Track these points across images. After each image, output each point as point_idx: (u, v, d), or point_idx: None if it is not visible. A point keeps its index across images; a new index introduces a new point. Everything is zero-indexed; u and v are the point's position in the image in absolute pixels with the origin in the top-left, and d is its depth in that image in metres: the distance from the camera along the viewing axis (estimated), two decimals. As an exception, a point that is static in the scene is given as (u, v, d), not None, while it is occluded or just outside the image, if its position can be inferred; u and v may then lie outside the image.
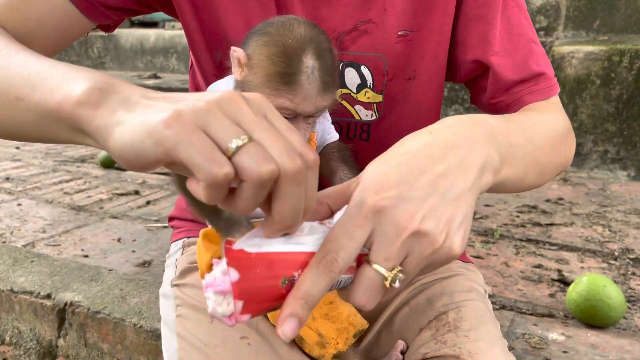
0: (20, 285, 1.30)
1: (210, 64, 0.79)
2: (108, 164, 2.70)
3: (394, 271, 0.43)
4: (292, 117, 0.62)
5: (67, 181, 2.47)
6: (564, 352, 1.13)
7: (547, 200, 2.21)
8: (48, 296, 1.25)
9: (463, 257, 0.87)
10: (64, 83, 0.47)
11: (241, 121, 0.39)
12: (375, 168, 0.47)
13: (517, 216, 2.02)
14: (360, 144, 0.80)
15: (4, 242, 1.74)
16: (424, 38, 0.77)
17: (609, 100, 2.50)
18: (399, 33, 0.76)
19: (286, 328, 0.40)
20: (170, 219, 1.01)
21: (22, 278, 1.34)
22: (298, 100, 0.60)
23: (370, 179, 0.46)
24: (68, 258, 1.59)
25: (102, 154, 2.74)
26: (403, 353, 0.73)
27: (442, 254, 0.45)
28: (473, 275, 0.83)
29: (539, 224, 1.93)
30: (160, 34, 4.45)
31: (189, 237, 0.91)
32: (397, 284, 0.44)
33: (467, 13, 0.77)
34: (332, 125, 0.75)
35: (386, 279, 0.43)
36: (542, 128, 0.68)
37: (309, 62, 0.60)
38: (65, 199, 2.21)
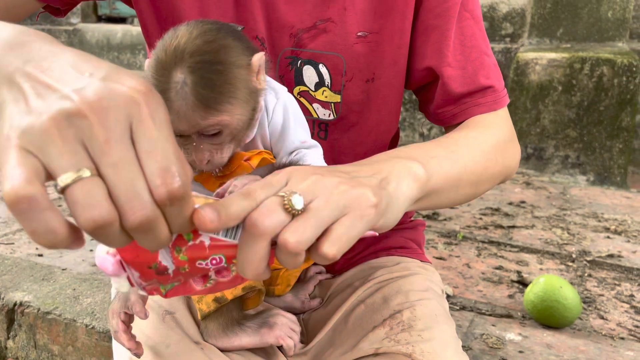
0: (-34, 284, 1.25)
1: None
2: (69, 161, 2.63)
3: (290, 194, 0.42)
4: (185, 135, 0.59)
5: None
6: (520, 352, 1.14)
7: (510, 203, 2.24)
8: (-4, 296, 1.20)
9: (421, 257, 0.87)
10: None
11: (90, 145, 0.34)
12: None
13: (480, 218, 2.05)
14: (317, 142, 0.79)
15: (-46, 240, 1.67)
16: (383, 41, 0.76)
17: (570, 107, 2.56)
18: (359, 34, 0.75)
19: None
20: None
21: (-31, 276, 1.28)
22: (172, 117, 0.57)
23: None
24: (21, 257, 1.54)
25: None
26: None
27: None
28: (430, 275, 0.83)
29: (501, 226, 1.96)
30: (127, 30, 4.37)
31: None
32: (295, 202, 0.42)
33: (423, 22, 0.77)
34: (302, 133, 0.68)
35: (283, 196, 0.42)
36: (471, 141, 0.71)
37: (178, 76, 0.56)
38: (21, 196, 2.14)
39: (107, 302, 1.16)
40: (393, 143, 0.88)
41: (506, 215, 2.09)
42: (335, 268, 0.83)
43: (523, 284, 1.50)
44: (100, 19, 4.75)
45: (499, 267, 1.62)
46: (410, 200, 0.53)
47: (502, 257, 1.70)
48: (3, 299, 1.20)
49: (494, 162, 0.72)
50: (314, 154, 0.66)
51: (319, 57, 0.73)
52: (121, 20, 4.73)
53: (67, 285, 1.23)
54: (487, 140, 0.73)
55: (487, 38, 0.80)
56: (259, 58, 0.62)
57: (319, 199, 0.43)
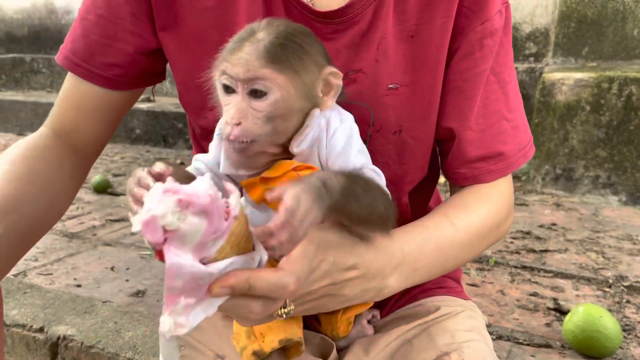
0: (12, 318, 1.28)
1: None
2: (101, 188, 2.69)
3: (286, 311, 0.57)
4: (232, 93, 0.62)
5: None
6: (563, 384, 1.13)
7: (541, 226, 2.22)
8: (40, 329, 1.23)
9: (461, 295, 0.87)
10: None
11: None
12: (331, 239, 0.61)
13: (512, 242, 2.03)
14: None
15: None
16: (414, 94, 0.76)
17: (599, 126, 2.54)
18: (390, 86, 0.75)
19: None
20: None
21: (15, 310, 1.32)
22: (233, 60, 0.60)
23: (325, 240, 0.60)
24: (60, 288, 1.57)
25: (95, 178, 2.72)
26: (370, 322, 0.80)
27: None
28: (474, 313, 0.83)
29: (533, 251, 1.94)
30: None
31: (187, 273, 0.90)
32: (285, 313, 0.58)
33: (450, 82, 0.78)
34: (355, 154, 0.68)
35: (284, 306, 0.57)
36: (466, 236, 0.77)
37: (259, 33, 0.61)
38: (57, 226, 2.19)
39: (147, 336, 1.18)
40: (419, 193, 0.88)
41: (538, 238, 2.07)
42: (381, 315, 0.83)
43: (560, 311, 1.49)
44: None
45: (534, 294, 1.60)
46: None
47: (536, 282, 1.69)
48: (47, 332, 1.23)
49: (483, 247, 0.80)
50: (377, 177, 0.66)
51: (347, 106, 0.74)
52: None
53: (108, 319, 1.26)
54: (481, 228, 0.79)
55: (509, 101, 0.82)
56: (332, 73, 0.64)
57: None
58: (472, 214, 0.78)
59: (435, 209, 0.80)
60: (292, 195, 0.51)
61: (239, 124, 0.61)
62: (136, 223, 0.47)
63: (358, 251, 0.63)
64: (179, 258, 0.47)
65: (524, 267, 1.80)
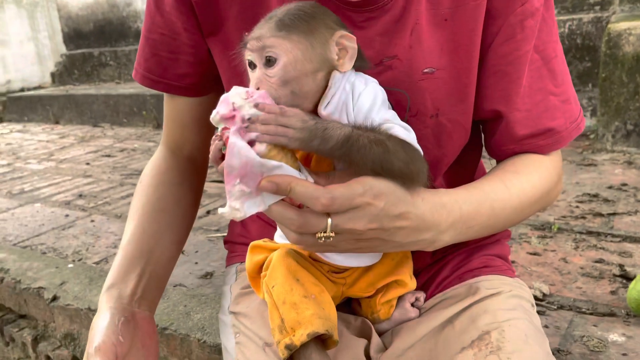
0: (96, 304, 1.41)
1: None
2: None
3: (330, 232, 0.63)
4: (254, 67, 0.68)
5: (133, 195, 2.61)
6: (624, 354, 1.11)
7: (610, 187, 2.13)
8: (121, 313, 1.35)
9: (507, 272, 0.88)
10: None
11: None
12: (384, 186, 0.64)
13: (577, 207, 1.97)
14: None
15: (81, 260, 1.89)
16: (450, 77, 0.77)
17: (674, 76, 2.36)
18: (425, 70, 0.76)
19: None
20: (225, 242, 1.07)
21: (98, 296, 1.45)
22: (252, 37, 0.67)
23: (377, 187, 0.64)
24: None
25: (164, 165, 2.87)
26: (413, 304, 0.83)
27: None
28: (519, 291, 0.83)
29: (600, 215, 1.87)
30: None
31: (241, 263, 0.97)
32: (324, 237, 0.63)
33: (492, 66, 0.78)
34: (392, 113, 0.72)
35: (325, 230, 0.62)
36: (518, 200, 0.79)
37: (276, 13, 0.68)
38: (132, 213, 2.35)
39: (214, 317, 1.27)
40: (452, 174, 0.89)
41: (606, 201, 1.99)
42: (426, 296, 0.86)
43: (627, 278, 1.44)
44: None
45: (600, 261, 1.55)
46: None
47: (602, 248, 1.63)
48: (126, 316, 1.35)
49: (532, 211, 0.83)
50: (403, 130, 0.69)
51: None
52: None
53: (179, 302, 1.36)
54: (533, 194, 0.80)
55: (555, 75, 0.81)
56: (343, 36, 0.68)
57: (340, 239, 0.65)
58: (525, 180, 0.80)
59: (491, 172, 0.83)
60: (295, 111, 0.62)
61: (257, 89, 0.66)
62: (215, 111, 0.62)
63: (412, 201, 0.66)
64: (240, 140, 0.59)
65: (589, 233, 1.74)
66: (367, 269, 0.79)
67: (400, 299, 0.82)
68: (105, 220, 2.30)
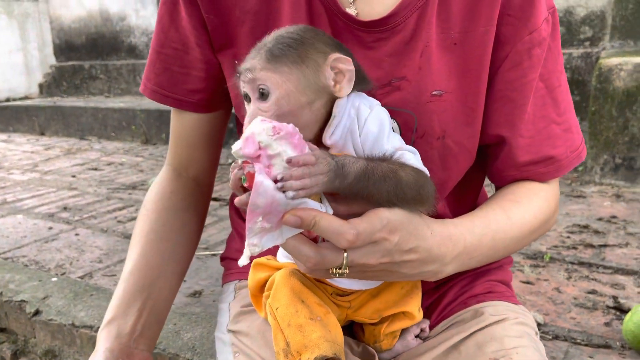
0: (80, 320, 1.37)
1: None
2: (158, 190, 2.79)
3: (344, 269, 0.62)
4: (249, 100, 0.66)
5: (120, 209, 2.57)
6: (623, 388, 1.10)
7: (600, 219, 2.14)
8: (107, 330, 1.31)
9: (511, 299, 0.86)
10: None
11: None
12: (399, 221, 0.64)
13: (568, 237, 1.97)
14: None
15: (64, 274, 1.83)
16: (457, 100, 0.77)
17: (662, 112, 2.41)
18: (433, 92, 0.76)
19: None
20: (222, 259, 1.04)
21: (83, 312, 1.40)
22: (244, 69, 0.65)
23: (393, 223, 0.63)
24: (124, 289, 1.66)
25: (153, 180, 2.83)
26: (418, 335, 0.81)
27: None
28: (523, 318, 0.82)
29: (591, 246, 1.88)
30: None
31: (240, 280, 0.94)
32: (339, 273, 0.62)
33: (498, 91, 0.79)
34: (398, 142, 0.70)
35: (340, 266, 0.62)
36: (519, 230, 0.80)
37: (267, 42, 0.66)
38: (119, 228, 2.30)
39: (205, 337, 1.23)
40: (456, 197, 0.89)
41: (596, 232, 2.00)
42: (430, 324, 0.84)
43: (621, 310, 1.44)
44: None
45: (593, 292, 1.55)
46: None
47: (594, 279, 1.63)
48: (112, 333, 1.30)
49: (530, 240, 0.83)
50: (412, 155, 0.68)
51: (390, 113, 0.75)
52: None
53: (168, 320, 1.32)
54: (533, 223, 0.81)
55: (558, 104, 0.82)
56: (337, 59, 0.65)
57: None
58: (526, 209, 0.81)
59: (492, 199, 0.83)
60: (321, 154, 0.59)
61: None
62: (237, 144, 0.58)
63: (422, 235, 0.66)
64: (266, 179, 0.56)
65: (581, 263, 1.74)
66: (374, 295, 0.77)
67: (404, 330, 0.80)
68: (91, 234, 2.24)
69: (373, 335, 0.80)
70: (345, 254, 0.61)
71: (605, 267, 1.71)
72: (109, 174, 3.32)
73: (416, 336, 0.81)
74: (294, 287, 0.73)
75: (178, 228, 0.93)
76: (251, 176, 0.56)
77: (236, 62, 0.69)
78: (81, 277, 1.80)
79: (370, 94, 0.76)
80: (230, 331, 0.86)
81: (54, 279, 1.67)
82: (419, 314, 0.79)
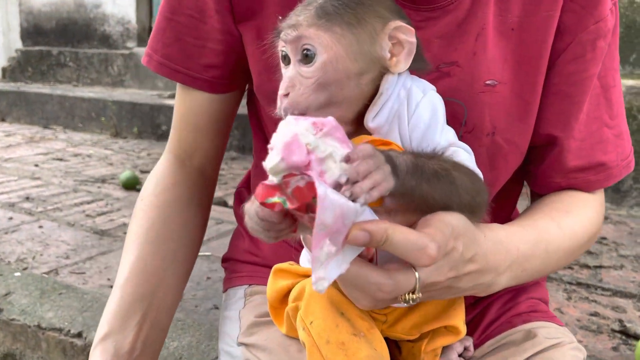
0: (48, 321, 1.22)
1: None
2: (130, 185, 2.63)
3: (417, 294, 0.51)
4: (289, 62, 0.56)
5: (88, 202, 2.40)
6: (647, 419, 1.03)
7: (590, 240, 2.11)
8: (79, 335, 1.16)
9: (555, 320, 0.78)
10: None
11: None
12: (462, 226, 0.54)
13: (562, 256, 1.93)
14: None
15: (26, 269, 1.66)
16: (511, 93, 0.69)
17: (651, 136, 2.42)
18: (487, 82, 0.68)
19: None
20: (225, 260, 0.92)
21: (51, 313, 1.25)
22: (287, 24, 0.55)
23: (457, 229, 0.53)
24: (96, 289, 1.51)
25: (124, 174, 2.67)
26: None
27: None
28: (576, 343, 0.74)
29: (586, 266, 1.83)
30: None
31: (250, 285, 0.83)
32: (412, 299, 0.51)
33: (554, 85, 0.71)
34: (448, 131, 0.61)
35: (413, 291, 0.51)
36: (570, 242, 0.71)
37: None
38: (87, 222, 2.14)
39: (194, 347, 1.11)
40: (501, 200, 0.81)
41: (589, 253, 1.96)
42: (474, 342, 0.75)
43: (627, 334, 1.38)
44: (154, 43, 4.80)
45: (595, 314, 1.50)
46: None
47: (595, 301, 1.58)
48: (85, 338, 1.16)
49: (578, 255, 0.75)
50: (467, 155, 0.59)
51: None
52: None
53: (150, 326, 1.19)
54: (582, 236, 0.73)
55: (611, 106, 0.75)
56: (399, 27, 0.55)
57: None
58: (576, 221, 0.73)
59: (536, 207, 0.74)
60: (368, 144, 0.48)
61: (287, 94, 0.54)
62: (274, 155, 0.44)
63: (478, 240, 0.57)
64: (328, 188, 0.43)
65: (579, 284, 1.69)
66: (412, 307, 0.67)
67: (446, 347, 0.70)
68: (56, 227, 2.07)
69: (412, 354, 0.70)
70: (417, 274, 0.50)
71: (604, 289, 1.66)
72: (75, 166, 3.12)
73: (460, 355, 0.71)
74: (332, 298, 0.62)
75: (181, 225, 0.81)
76: (302, 192, 0.44)
77: (280, 17, 0.58)
78: (46, 273, 1.63)
79: None
80: (242, 344, 0.74)
81: (17, 273, 1.50)
82: (463, 329, 0.69)
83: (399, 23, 0.56)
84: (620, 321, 1.43)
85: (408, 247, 0.47)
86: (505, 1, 0.69)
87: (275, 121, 0.79)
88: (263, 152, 0.87)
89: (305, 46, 0.54)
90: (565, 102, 0.72)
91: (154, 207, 0.80)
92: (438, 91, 0.63)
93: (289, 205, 0.44)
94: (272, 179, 0.45)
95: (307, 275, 0.67)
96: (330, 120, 0.46)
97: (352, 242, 0.46)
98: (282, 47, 0.57)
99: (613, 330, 1.41)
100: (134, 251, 0.77)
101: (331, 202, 0.43)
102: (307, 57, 0.54)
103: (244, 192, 0.94)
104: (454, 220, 0.53)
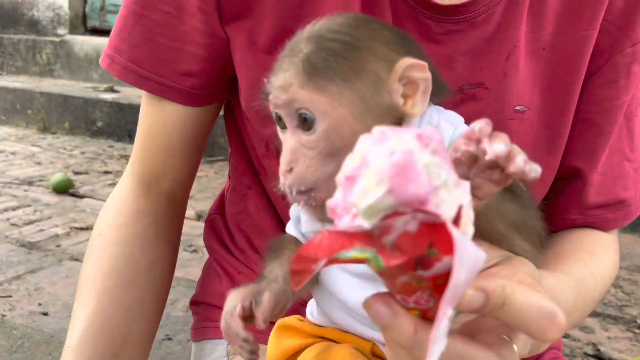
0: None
1: None
2: (62, 189, 2.39)
3: None
4: (284, 126, 0.48)
5: (13, 209, 2.15)
6: None
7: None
8: (7, 383, 0.98)
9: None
10: None
11: None
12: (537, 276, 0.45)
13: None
14: None
15: (-61, 292, 1.43)
16: (539, 121, 0.63)
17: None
18: (516, 108, 0.62)
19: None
20: (195, 303, 0.78)
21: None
22: (275, 82, 0.47)
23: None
24: (26, 322, 1.31)
25: (55, 177, 2.42)
26: None
27: None
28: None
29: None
30: (118, 44, 4.15)
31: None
32: None
33: (582, 112, 0.65)
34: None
35: None
36: (600, 291, 0.66)
37: (299, 46, 0.47)
38: (12, 233, 1.90)
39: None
40: None
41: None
42: None
43: (601, 359, 1.36)
44: (88, 31, 4.50)
45: (565, 336, 1.47)
46: None
47: (563, 321, 1.56)
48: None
49: (601, 300, 0.72)
50: None
51: None
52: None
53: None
54: (608, 280, 0.69)
55: (632, 137, 0.71)
56: (410, 66, 0.45)
57: None
58: (602, 264, 0.67)
59: (563, 250, 0.67)
60: None
61: (290, 169, 0.46)
62: (368, 183, 0.29)
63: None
64: (462, 235, 0.29)
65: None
66: None
67: None
68: (-25, 239, 1.83)
69: None
70: (515, 347, 0.38)
71: (569, 308, 1.65)
72: (-3, 164, 2.82)
73: None
74: None
75: (148, 266, 0.69)
76: (412, 240, 0.29)
77: (265, 78, 0.49)
78: (-37, 298, 1.42)
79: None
80: None
81: None
82: None
83: (407, 62, 0.46)
84: (594, 345, 1.41)
85: (531, 314, 0.34)
86: (539, 16, 0.61)
87: (267, 143, 0.68)
88: (246, 176, 0.75)
89: (301, 111, 0.45)
90: (593, 131, 0.67)
91: (114, 244, 0.68)
92: (461, 116, 0.54)
93: (384, 263, 0.29)
94: (359, 223, 0.29)
95: (321, 336, 0.56)
96: (435, 132, 0.32)
97: (468, 306, 0.33)
98: (273, 109, 0.49)
99: (586, 354, 1.38)
100: (91, 301, 0.64)
101: (467, 252, 0.29)
102: (305, 122, 0.46)
103: (216, 219, 0.81)
104: (527, 267, 0.44)
